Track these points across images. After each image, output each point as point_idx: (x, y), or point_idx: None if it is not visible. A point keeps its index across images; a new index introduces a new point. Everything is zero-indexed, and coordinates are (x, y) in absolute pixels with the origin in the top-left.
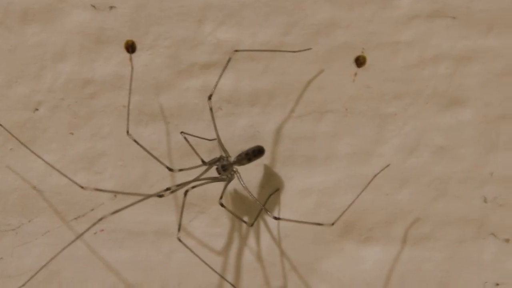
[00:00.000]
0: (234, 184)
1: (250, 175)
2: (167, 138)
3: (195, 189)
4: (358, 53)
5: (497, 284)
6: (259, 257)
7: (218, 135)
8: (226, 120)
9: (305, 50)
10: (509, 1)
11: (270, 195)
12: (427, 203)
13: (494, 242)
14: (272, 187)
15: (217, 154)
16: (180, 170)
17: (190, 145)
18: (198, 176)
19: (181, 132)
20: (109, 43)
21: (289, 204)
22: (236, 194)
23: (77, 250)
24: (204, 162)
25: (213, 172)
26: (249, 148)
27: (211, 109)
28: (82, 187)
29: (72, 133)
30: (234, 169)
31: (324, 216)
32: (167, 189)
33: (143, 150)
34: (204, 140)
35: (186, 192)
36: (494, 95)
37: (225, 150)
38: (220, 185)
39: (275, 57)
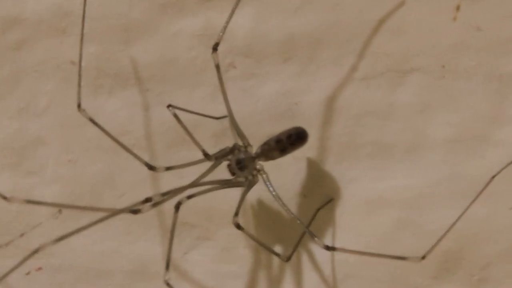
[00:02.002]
0: (257, 191)
1: (283, 177)
2: (145, 115)
3: (192, 200)
4: None
5: None
6: None
7: (230, 111)
8: (244, 85)
9: None
10: None
11: (318, 209)
12: None
13: None
14: (320, 196)
15: (228, 141)
16: (168, 168)
17: (184, 128)
18: (198, 179)
19: (169, 106)
20: None
21: (349, 224)
22: (261, 208)
23: None
24: (207, 156)
25: (222, 172)
26: (282, 132)
27: (217, 66)
28: (5, 198)
29: None
30: (258, 166)
31: (409, 245)
32: (147, 200)
33: (105, 136)
34: (207, 118)
35: (178, 206)
36: None
37: (242, 136)
38: (234, 193)
39: None
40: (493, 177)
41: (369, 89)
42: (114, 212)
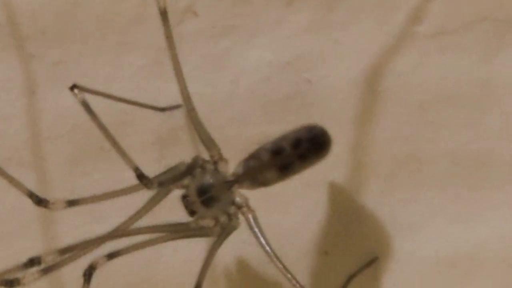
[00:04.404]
0: (236, 243)
1: (286, 219)
2: (28, 104)
3: (117, 262)
4: None
5: None
6: None
7: (187, 96)
8: (213, 48)
9: None
10: None
11: (351, 277)
12: None
13: None
14: (354, 253)
15: (184, 153)
16: (72, 203)
17: (102, 128)
18: (127, 223)
19: (74, 87)
20: None
21: None
22: (244, 276)
23: None
24: (144, 180)
25: (173, 210)
26: (285, 135)
27: (163, 13)
28: None
29: None
30: (237, 198)
31: None
32: (32, 261)
33: None
34: (145, 110)
35: (90, 272)
36: None
37: (209, 142)
38: (194, 247)
39: None
40: None
41: (443, 54)
42: None
